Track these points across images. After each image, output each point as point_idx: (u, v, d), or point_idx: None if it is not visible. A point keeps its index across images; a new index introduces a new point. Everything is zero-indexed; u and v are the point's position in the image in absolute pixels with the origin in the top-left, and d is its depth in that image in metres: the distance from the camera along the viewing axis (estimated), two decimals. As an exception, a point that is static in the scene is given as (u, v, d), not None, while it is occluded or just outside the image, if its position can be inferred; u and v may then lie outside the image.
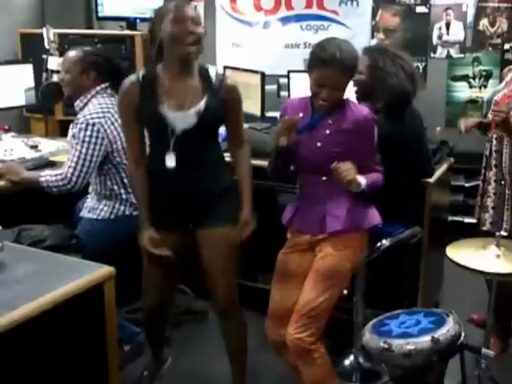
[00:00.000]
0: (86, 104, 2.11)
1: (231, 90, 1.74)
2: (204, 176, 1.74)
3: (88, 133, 2.00)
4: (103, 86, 2.13)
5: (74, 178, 2.00)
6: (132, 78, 1.71)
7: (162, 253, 1.73)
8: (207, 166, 1.74)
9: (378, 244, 1.85)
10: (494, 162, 2.15)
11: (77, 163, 2.00)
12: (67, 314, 1.25)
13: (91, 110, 2.06)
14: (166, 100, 1.67)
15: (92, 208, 2.11)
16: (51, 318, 1.20)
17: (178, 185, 1.72)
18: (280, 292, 1.75)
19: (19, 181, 2.12)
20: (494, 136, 2.14)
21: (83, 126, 2.02)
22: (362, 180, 1.63)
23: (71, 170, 2.00)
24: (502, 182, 2.13)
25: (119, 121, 1.96)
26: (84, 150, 2.00)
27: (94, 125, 2.01)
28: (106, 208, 2.09)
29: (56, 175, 2.03)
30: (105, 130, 2.03)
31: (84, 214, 2.13)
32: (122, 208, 2.08)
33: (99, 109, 2.06)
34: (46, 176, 2.05)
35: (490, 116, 2.11)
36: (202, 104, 1.68)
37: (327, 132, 1.67)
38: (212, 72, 1.73)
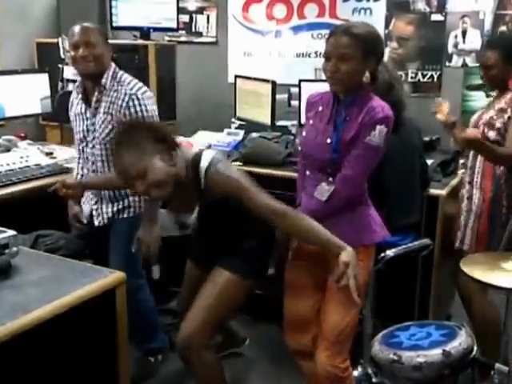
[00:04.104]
0: (117, 77, 1.88)
1: (214, 187, 1.51)
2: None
3: (153, 106, 1.85)
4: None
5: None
6: None
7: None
8: None
9: (382, 254, 1.78)
10: (467, 179, 2.11)
11: None
12: (80, 318, 1.26)
13: (135, 81, 1.88)
14: None
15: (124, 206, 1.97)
16: (64, 322, 1.22)
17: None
18: (293, 303, 1.68)
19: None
20: (471, 153, 2.07)
21: (146, 96, 1.84)
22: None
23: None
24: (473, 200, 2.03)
25: None
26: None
27: (151, 97, 1.87)
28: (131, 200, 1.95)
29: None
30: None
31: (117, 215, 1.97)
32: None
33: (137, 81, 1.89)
34: None
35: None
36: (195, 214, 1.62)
37: (340, 128, 1.52)
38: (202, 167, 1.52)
